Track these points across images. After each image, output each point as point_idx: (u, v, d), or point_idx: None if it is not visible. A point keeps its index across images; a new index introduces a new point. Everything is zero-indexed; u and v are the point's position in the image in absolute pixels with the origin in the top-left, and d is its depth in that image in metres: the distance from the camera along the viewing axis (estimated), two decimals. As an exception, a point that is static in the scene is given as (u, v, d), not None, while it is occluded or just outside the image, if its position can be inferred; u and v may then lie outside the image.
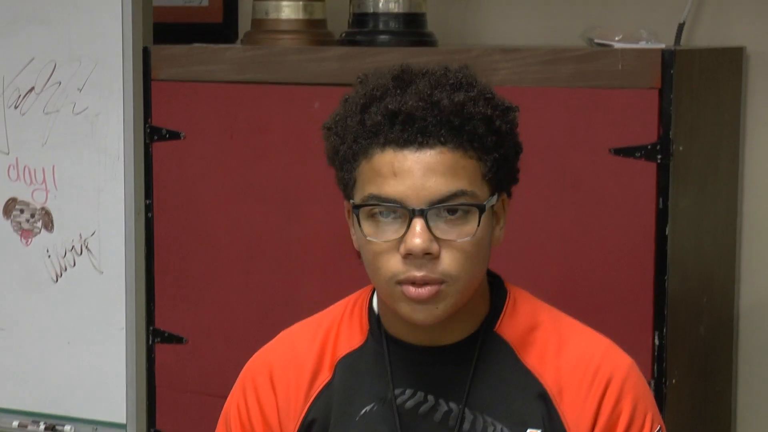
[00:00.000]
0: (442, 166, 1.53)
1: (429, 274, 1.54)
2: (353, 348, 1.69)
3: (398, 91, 1.56)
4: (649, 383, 2.17)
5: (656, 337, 2.22)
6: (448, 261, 1.54)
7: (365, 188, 1.56)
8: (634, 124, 2.20)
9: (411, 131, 1.53)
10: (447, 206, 1.53)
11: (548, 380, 1.62)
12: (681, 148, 2.22)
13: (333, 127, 1.61)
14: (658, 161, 2.19)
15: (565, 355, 1.63)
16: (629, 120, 2.20)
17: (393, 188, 1.53)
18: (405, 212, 1.53)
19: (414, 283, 1.54)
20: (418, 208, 1.52)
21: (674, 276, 2.23)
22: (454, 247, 1.54)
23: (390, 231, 1.55)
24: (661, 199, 2.19)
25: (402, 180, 1.53)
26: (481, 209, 1.55)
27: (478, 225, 1.55)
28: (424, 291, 1.55)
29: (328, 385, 1.68)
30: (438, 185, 1.53)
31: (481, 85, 1.59)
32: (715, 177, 2.47)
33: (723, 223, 2.53)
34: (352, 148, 1.57)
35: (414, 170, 1.52)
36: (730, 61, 2.53)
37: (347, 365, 1.68)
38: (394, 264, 1.55)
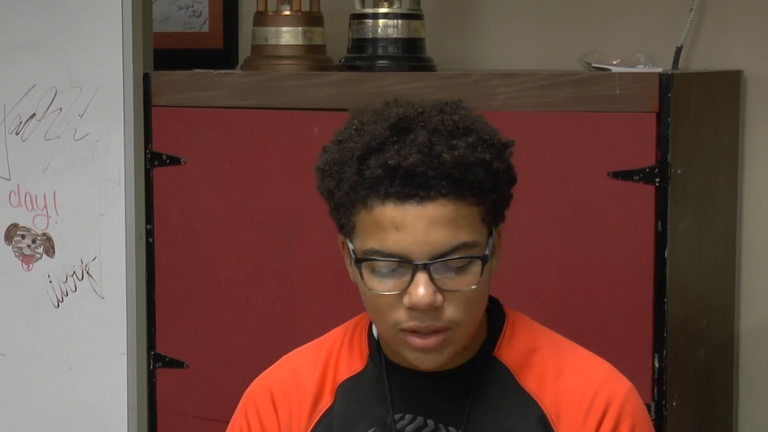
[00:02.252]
0: (443, 218, 1.52)
1: (434, 323, 1.55)
2: (353, 373, 1.69)
3: (396, 141, 1.54)
4: (649, 406, 2.17)
5: (656, 360, 2.22)
6: (452, 309, 1.55)
7: (366, 241, 1.55)
8: (632, 147, 2.21)
9: (412, 186, 1.52)
10: (450, 259, 1.53)
11: (547, 403, 1.62)
12: (679, 171, 2.23)
13: (327, 169, 1.59)
14: (657, 184, 2.19)
15: (564, 378, 1.64)
16: (627, 143, 2.21)
17: (395, 243, 1.53)
18: (408, 265, 1.53)
19: (419, 332, 1.55)
20: (421, 262, 1.53)
21: (674, 299, 2.24)
22: (458, 297, 1.55)
23: (393, 283, 1.55)
24: (659, 222, 2.20)
25: (404, 234, 1.52)
26: (484, 260, 1.56)
27: (481, 274, 1.56)
28: (431, 342, 1.56)
29: (329, 410, 1.68)
30: (440, 239, 1.52)
31: (478, 125, 1.58)
32: (714, 200, 2.48)
33: (722, 246, 2.54)
34: (349, 195, 1.56)
35: (416, 224, 1.52)
36: (727, 85, 2.54)
37: (347, 390, 1.68)
38: (397, 314, 1.55)
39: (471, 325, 1.59)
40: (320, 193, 1.62)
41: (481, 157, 1.54)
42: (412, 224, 1.52)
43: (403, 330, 1.56)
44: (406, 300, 1.54)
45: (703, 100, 2.37)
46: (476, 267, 1.55)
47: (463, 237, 1.54)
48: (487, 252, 1.56)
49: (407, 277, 1.54)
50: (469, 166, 1.53)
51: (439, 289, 1.54)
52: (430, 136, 1.54)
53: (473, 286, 1.55)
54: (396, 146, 1.54)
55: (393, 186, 1.52)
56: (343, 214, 1.58)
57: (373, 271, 1.56)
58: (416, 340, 1.56)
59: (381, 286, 1.55)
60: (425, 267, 1.53)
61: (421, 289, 1.52)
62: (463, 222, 1.54)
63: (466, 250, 1.54)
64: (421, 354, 1.57)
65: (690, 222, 2.31)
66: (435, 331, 1.55)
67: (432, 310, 1.54)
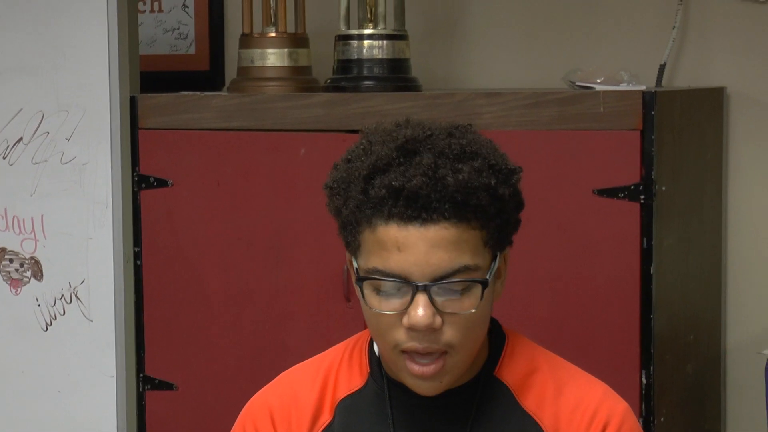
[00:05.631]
0: (445, 241, 1.53)
1: (432, 345, 1.56)
2: (353, 390, 1.69)
3: (402, 162, 1.55)
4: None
5: (644, 376, 2.23)
6: (450, 332, 1.56)
7: (369, 260, 1.56)
8: (616, 165, 2.22)
9: (415, 207, 1.53)
10: (450, 282, 1.54)
11: (546, 423, 1.63)
12: (664, 188, 2.24)
13: (335, 187, 1.61)
14: (642, 201, 2.21)
15: (563, 398, 1.64)
16: (612, 161, 2.22)
17: (397, 263, 1.54)
18: (409, 286, 1.54)
19: (417, 352, 1.56)
20: (421, 283, 1.53)
21: (660, 315, 2.25)
22: (457, 320, 1.56)
23: (393, 303, 1.56)
24: (645, 239, 2.21)
25: (406, 255, 1.53)
26: (484, 284, 1.56)
27: (481, 298, 1.56)
28: (429, 369, 1.56)
29: (329, 427, 1.68)
30: (441, 261, 1.53)
31: (486, 150, 1.59)
32: (699, 216, 2.49)
33: (708, 261, 2.55)
34: (355, 214, 1.57)
35: (418, 245, 1.53)
36: (710, 102, 2.55)
37: (347, 407, 1.68)
38: (397, 334, 1.56)
39: (470, 350, 1.59)
40: (329, 211, 1.63)
41: (485, 181, 1.55)
42: (414, 245, 1.53)
43: (403, 351, 1.57)
44: (405, 320, 1.54)
45: (686, 117, 2.39)
46: (477, 290, 1.56)
47: (465, 260, 1.54)
48: (488, 276, 1.57)
49: (407, 298, 1.54)
50: (473, 191, 1.54)
51: (438, 311, 1.54)
52: (436, 159, 1.55)
53: (473, 310, 1.56)
54: (401, 168, 1.55)
55: (396, 207, 1.53)
56: (350, 232, 1.59)
57: (376, 290, 1.57)
58: (415, 367, 1.56)
59: (382, 305, 1.56)
60: (425, 288, 1.53)
61: (421, 310, 1.53)
62: (466, 246, 1.54)
63: (468, 273, 1.55)
64: (420, 381, 1.58)
65: (675, 238, 2.33)
66: (433, 354, 1.56)
67: (431, 331, 1.55)
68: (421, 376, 1.57)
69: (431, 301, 1.53)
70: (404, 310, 1.54)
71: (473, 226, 1.55)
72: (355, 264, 1.60)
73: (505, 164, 1.59)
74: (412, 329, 1.54)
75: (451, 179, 1.53)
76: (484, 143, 1.60)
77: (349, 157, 1.61)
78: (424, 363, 1.56)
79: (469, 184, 1.53)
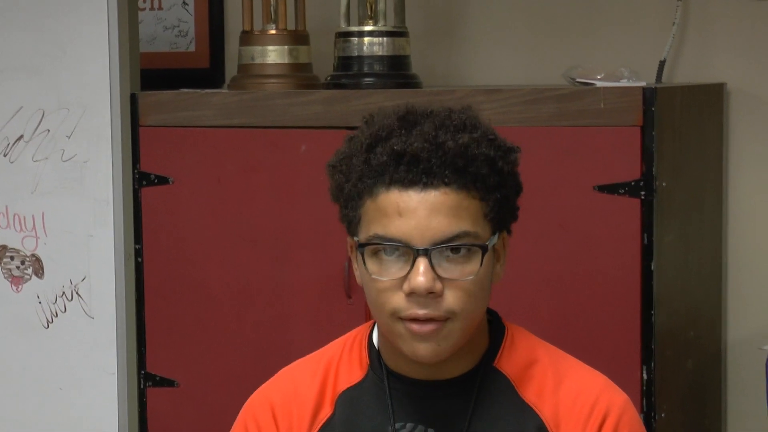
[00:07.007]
0: (445, 206, 1.56)
1: (432, 312, 1.57)
2: (353, 383, 1.70)
3: (403, 132, 1.58)
4: (638, 418, 2.18)
5: (644, 372, 2.23)
6: (451, 299, 1.57)
7: (370, 227, 1.58)
8: (617, 161, 2.22)
9: (416, 172, 1.55)
10: (450, 246, 1.56)
11: (546, 414, 1.64)
12: (664, 184, 2.24)
13: (337, 165, 1.63)
14: (642, 197, 2.21)
15: (563, 389, 1.65)
16: (612, 157, 2.23)
17: (397, 228, 1.56)
18: (409, 251, 1.56)
19: (418, 319, 1.57)
20: (422, 247, 1.55)
21: (661, 311, 2.25)
22: (457, 286, 1.57)
23: (394, 269, 1.57)
24: (645, 235, 2.21)
25: (406, 220, 1.55)
26: (484, 249, 1.58)
27: (481, 264, 1.58)
28: (427, 327, 1.57)
29: (330, 421, 1.69)
30: (441, 225, 1.55)
31: (484, 126, 1.62)
32: (700, 212, 2.49)
33: (708, 257, 2.55)
34: (357, 186, 1.59)
35: (418, 210, 1.55)
36: (711, 98, 2.55)
37: (348, 400, 1.69)
38: (397, 301, 1.57)
39: (470, 320, 1.60)
40: (331, 195, 1.65)
41: (485, 152, 1.58)
42: (415, 210, 1.55)
43: (402, 318, 1.57)
44: (405, 286, 1.56)
45: (686, 114, 2.39)
46: (477, 257, 1.57)
47: (465, 226, 1.56)
48: (487, 244, 1.58)
49: (408, 264, 1.56)
50: (473, 158, 1.57)
51: (438, 277, 1.56)
52: (437, 129, 1.58)
53: (472, 276, 1.57)
54: (403, 136, 1.58)
55: (398, 172, 1.56)
56: (351, 209, 1.61)
57: (377, 257, 1.58)
58: (414, 326, 1.57)
59: (383, 272, 1.58)
60: (426, 252, 1.55)
61: (421, 274, 1.55)
62: (465, 213, 1.57)
63: (467, 239, 1.57)
64: (418, 342, 1.58)
65: (676, 234, 2.33)
66: (433, 320, 1.57)
67: (431, 297, 1.56)
68: (420, 334, 1.57)
69: (431, 265, 1.55)
70: (405, 277, 1.56)
71: (473, 195, 1.57)
72: (357, 240, 1.61)
73: (504, 142, 1.63)
74: (413, 294, 1.56)
75: (452, 144, 1.56)
76: (482, 121, 1.64)
77: (351, 136, 1.65)
78: (423, 322, 1.57)
79: (469, 151, 1.57)
